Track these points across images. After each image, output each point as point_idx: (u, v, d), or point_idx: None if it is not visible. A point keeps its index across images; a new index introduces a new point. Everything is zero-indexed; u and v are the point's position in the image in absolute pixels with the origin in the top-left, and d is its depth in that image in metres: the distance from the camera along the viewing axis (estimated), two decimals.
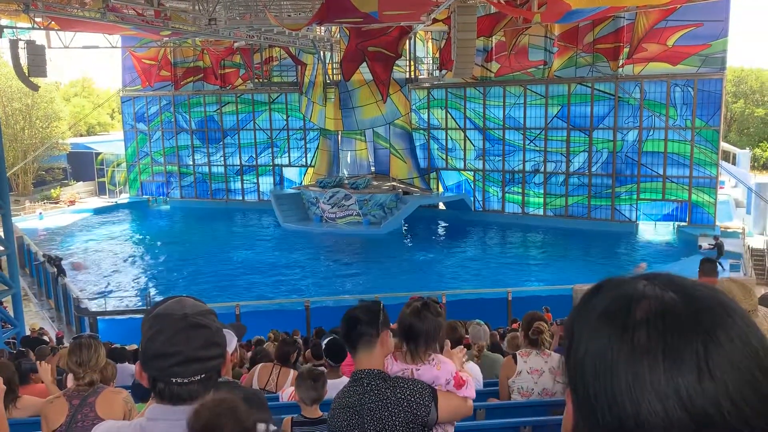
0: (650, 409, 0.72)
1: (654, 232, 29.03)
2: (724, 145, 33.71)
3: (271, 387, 5.89)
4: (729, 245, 24.91)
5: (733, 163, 36.91)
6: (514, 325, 11.00)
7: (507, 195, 31.91)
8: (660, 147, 28.23)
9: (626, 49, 27.74)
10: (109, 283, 24.77)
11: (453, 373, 2.79)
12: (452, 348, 3.14)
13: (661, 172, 28.34)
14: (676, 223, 28.51)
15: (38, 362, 5.80)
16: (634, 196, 29.11)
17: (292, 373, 5.98)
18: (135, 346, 11.09)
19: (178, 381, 1.63)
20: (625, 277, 0.84)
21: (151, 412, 1.69)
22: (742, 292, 3.51)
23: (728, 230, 27.38)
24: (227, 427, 1.31)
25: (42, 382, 5.62)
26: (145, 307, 17.57)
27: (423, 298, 2.94)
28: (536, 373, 4.92)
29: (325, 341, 5.34)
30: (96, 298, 20.41)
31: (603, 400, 0.75)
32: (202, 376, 1.64)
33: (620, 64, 28.15)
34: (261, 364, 6.32)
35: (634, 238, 28.52)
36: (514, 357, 5.04)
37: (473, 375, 5.11)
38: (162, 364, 1.63)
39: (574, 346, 0.82)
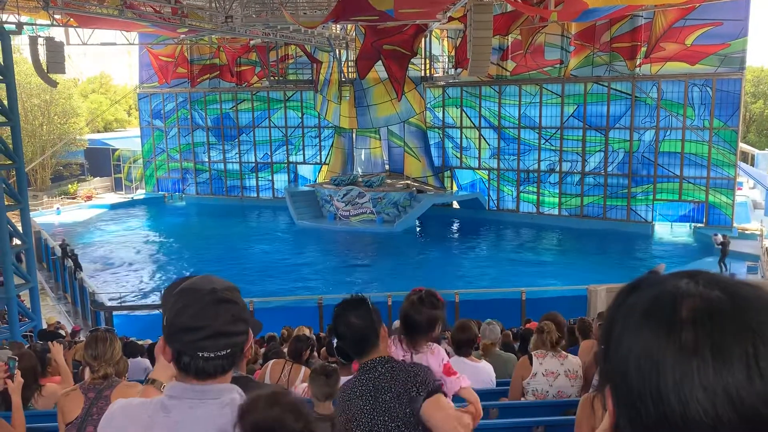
0: (699, 408, 0.72)
1: (670, 233, 28.77)
2: (743, 146, 33.34)
3: (283, 383, 5.92)
4: (747, 247, 24.66)
5: (752, 164, 36.47)
6: (527, 325, 10.96)
7: (522, 194, 31.77)
8: (677, 147, 27.97)
9: (644, 49, 27.49)
10: (124, 278, 24.98)
11: (444, 360, 2.87)
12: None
13: (678, 172, 28.08)
14: (693, 224, 28.23)
15: (50, 342, 5.89)
16: (651, 197, 28.86)
17: (304, 370, 6.01)
18: (149, 341, 11.17)
19: (205, 355, 1.63)
20: (664, 274, 0.84)
21: (172, 389, 1.69)
22: None
23: (746, 232, 27.09)
24: (289, 424, 1.27)
25: (58, 375, 5.71)
26: (160, 303, 17.69)
27: (422, 290, 2.95)
28: (551, 375, 4.89)
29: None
30: (115, 299, 20.57)
31: (648, 399, 0.75)
32: (228, 351, 1.65)
33: (637, 63, 27.91)
34: (273, 360, 6.35)
35: (649, 239, 28.28)
36: (530, 357, 5.00)
37: (487, 375, 5.10)
38: (189, 338, 1.63)
39: (614, 344, 0.81)
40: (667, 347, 0.74)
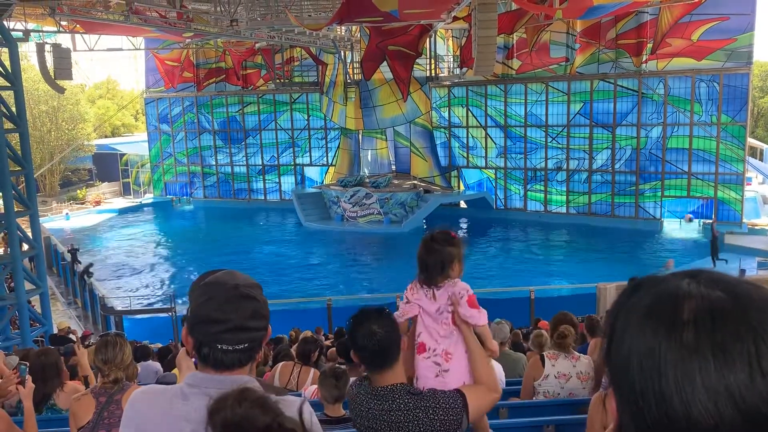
0: (701, 407, 0.72)
1: (679, 229, 28.62)
2: (751, 141, 33.15)
3: (292, 386, 5.92)
4: (757, 242, 24.50)
5: (761, 159, 36.28)
6: (539, 324, 10.93)
7: (529, 193, 31.70)
8: (685, 143, 27.83)
9: (650, 45, 27.37)
10: (134, 283, 25.08)
11: (469, 291, 2.74)
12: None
13: (686, 168, 27.94)
14: (702, 220, 28.07)
15: (76, 345, 5.95)
16: (659, 194, 28.72)
17: (313, 372, 6.01)
18: (159, 345, 11.22)
19: (223, 348, 1.69)
20: (666, 274, 0.83)
21: (192, 378, 1.75)
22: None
23: (756, 227, 26.92)
24: (257, 418, 1.29)
25: (72, 378, 5.75)
26: (169, 306, 17.78)
27: (434, 229, 2.85)
28: (563, 378, 4.86)
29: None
30: (124, 304, 20.63)
31: (650, 399, 0.75)
32: (246, 345, 1.71)
33: (643, 59, 27.80)
34: (282, 363, 6.36)
35: (658, 235, 28.15)
36: (542, 359, 4.98)
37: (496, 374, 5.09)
38: (210, 330, 1.69)
39: (616, 344, 0.81)
40: (668, 347, 0.75)
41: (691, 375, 0.72)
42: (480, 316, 2.72)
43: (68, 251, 23.87)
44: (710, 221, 25.47)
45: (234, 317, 1.68)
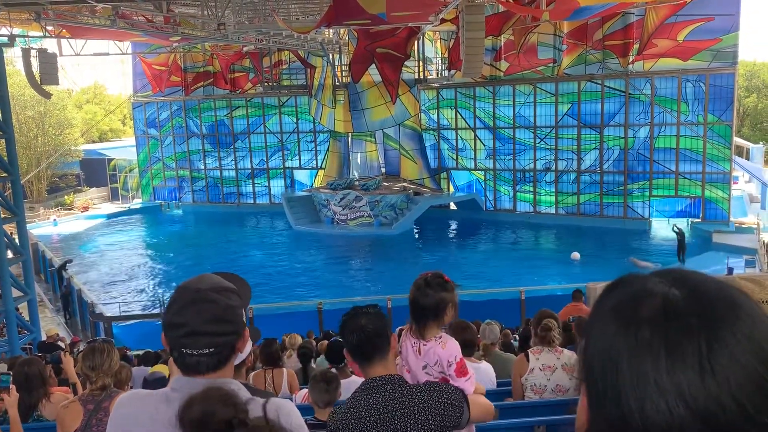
0: (653, 406, 0.72)
1: (667, 228, 28.78)
2: (737, 140, 33.45)
3: (270, 391, 5.87)
4: (744, 241, 24.69)
5: (747, 158, 36.59)
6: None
7: (518, 194, 31.80)
8: (672, 143, 28.02)
9: (636, 46, 27.56)
10: (123, 288, 24.91)
11: (457, 358, 2.74)
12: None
13: (673, 168, 28.13)
14: (690, 219, 28.28)
15: (62, 353, 5.93)
16: (647, 193, 28.89)
17: (286, 372, 5.97)
18: (150, 350, 11.15)
19: (187, 352, 1.70)
20: (641, 273, 0.84)
21: (175, 382, 1.76)
22: (756, 285, 3.47)
23: (743, 226, 27.14)
24: (219, 413, 1.34)
25: (60, 385, 5.70)
26: (159, 312, 17.68)
27: (429, 273, 2.84)
28: (549, 369, 4.93)
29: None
30: (114, 310, 20.47)
31: (610, 397, 0.76)
32: (211, 350, 1.70)
33: (630, 60, 27.97)
34: (253, 373, 6.26)
35: (647, 235, 28.32)
36: (527, 355, 5.05)
37: (487, 375, 5.11)
38: (172, 334, 1.71)
39: (586, 342, 0.82)
40: (625, 346, 0.75)
41: (644, 372, 0.73)
42: (469, 385, 2.75)
43: (60, 261, 23.62)
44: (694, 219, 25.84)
45: (190, 321, 1.68)
